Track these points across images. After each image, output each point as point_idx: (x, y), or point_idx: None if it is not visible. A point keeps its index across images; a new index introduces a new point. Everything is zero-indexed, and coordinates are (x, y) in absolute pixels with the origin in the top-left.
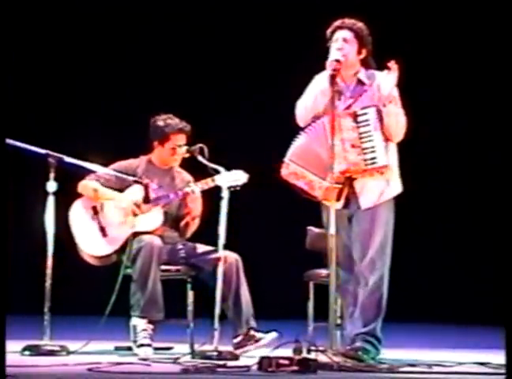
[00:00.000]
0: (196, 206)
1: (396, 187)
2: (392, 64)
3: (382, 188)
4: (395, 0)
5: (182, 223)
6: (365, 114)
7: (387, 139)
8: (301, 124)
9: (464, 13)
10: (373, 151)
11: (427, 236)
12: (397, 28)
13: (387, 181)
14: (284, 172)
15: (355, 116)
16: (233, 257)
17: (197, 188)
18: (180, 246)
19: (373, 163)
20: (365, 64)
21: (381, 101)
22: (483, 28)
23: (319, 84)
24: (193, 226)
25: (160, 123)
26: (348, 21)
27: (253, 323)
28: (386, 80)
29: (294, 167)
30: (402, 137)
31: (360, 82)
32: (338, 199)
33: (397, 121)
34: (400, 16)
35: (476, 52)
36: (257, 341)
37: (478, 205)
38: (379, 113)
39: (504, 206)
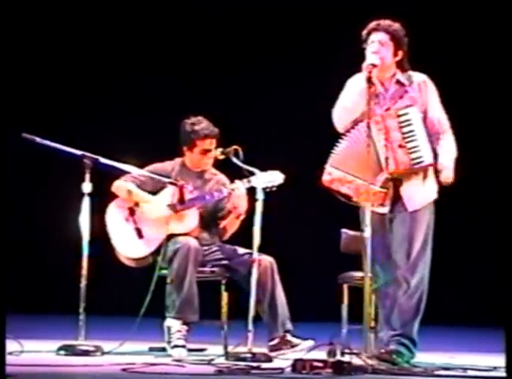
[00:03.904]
0: (242, 203)
1: (435, 190)
2: None
3: (426, 190)
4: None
5: (224, 222)
6: (406, 113)
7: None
8: (340, 130)
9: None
10: (418, 151)
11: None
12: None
13: (430, 184)
14: (326, 178)
15: (396, 116)
16: (268, 259)
17: (241, 185)
18: (215, 248)
19: (419, 163)
20: (401, 66)
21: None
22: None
23: (354, 87)
24: (236, 225)
25: (187, 129)
26: (384, 23)
27: (289, 326)
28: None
29: (338, 173)
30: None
31: (399, 83)
32: (383, 203)
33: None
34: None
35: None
36: (293, 346)
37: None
38: (420, 112)
39: (504, 209)
